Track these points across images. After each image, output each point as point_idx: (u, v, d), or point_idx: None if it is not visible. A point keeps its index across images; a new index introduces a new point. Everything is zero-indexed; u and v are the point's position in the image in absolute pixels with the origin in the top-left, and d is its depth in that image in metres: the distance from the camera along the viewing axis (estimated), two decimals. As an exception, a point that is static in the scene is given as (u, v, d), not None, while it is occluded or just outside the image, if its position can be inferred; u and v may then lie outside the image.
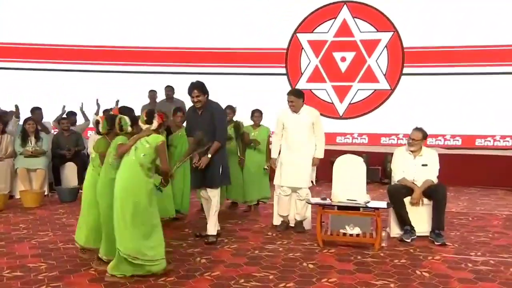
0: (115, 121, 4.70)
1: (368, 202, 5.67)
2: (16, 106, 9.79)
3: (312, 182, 6.60)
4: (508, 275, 4.81)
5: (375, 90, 10.69)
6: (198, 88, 5.85)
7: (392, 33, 10.46)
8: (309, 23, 10.79)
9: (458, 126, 10.41)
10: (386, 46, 10.54)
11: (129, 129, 4.65)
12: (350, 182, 6.32)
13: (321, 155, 6.38)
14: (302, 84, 10.85)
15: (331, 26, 10.72)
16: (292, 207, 6.47)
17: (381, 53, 10.58)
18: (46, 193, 8.66)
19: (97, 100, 9.97)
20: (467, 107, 10.33)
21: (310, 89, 10.83)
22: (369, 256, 5.27)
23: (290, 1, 10.89)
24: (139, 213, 4.28)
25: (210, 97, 6.12)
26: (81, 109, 10.25)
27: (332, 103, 10.86)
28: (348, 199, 5.68)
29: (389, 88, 10.60)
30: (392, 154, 10.40)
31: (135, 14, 11.21)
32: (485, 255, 5.43)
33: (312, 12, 10.77)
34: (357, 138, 10.86)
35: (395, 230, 6.02)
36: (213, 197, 5.91)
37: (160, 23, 11.16)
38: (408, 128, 10.46)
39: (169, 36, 11.11)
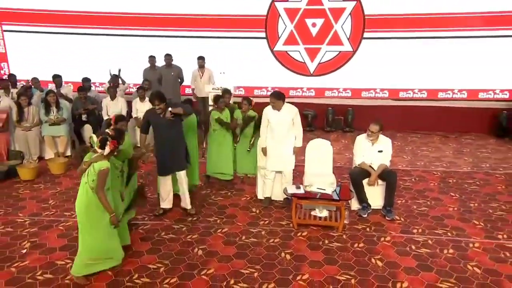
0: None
1: (334, 190, 5.61)
2: (36, 79, 9.41)
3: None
4: (443, 260, 4.87)
5: (340, 51, 10.39)
6: (158, 99, 5.50)
7: (355, 2, 9.96)
8: (284, -8, 10.16)
9: (408, 82, 10.28)
10: (350, 14, 10.10)
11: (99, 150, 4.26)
12: (319, 165, 6.32)
13: (300, 144, 6.24)
14: (279, 46, 10.59)
15: (304, -5, 10.11)
16: (275, 187, 6.41)
17: (345, 20, 10.13)
18: (69, 154, 8.54)
19: (109, 70, 9.60)
20: (416, 66, 10.22)
21: (286, 51, 10.60)
22: (334, 239, 5.29)
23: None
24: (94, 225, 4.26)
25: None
26: (119, 72, 9.84)
27: (304, 62, 10.58)
28: (318, 188, 5.59)
29: (351, 50, 10.30)
30: (352, 107, 10.41)
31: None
32: (425, 233, 5.53)
33: (286, -17, 10.12)
34: (325, 93, 10.55)
35: (355, 205, 6.08)
36: (185, 177, 5.95)
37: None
38: (367, 84, 10.45)
39: (167, 4, 10.55)
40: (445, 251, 5.06)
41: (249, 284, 4.36)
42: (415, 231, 5.55)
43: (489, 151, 8.85)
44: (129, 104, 9.26)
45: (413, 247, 5.13)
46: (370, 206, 5.99)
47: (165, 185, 5.91)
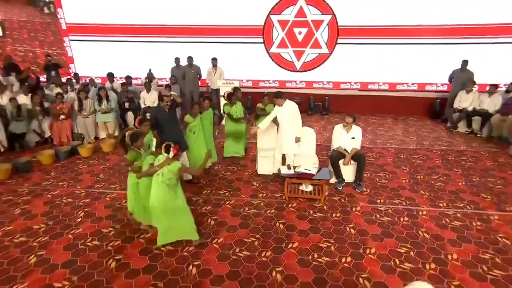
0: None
1: (318, 170, 5.15)
2: (92, 79, 8.90)
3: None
4: (400, 227, 4.53)
5: (319, 53, 9.66)
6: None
7: (331, 16, 9.16)
8: (278, 8, 9.42)
9: (373, 77, 9.68)
10: (327, 24, 9.28)
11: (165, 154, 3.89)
12: (305, 148, 5.84)
13: (299, 135, 5.62)
14: (273, 49, 9.86)
15: (292, 10, 9.31)
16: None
17: (324, 29, 9.30)
18: (117, 135, 8.01)
19: (149, 69, 9.06)
20: (378, 65, 9.55)
21: (279, 53, 9.86)
22: (317, 210, 4.90)
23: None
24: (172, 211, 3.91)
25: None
26: (150, 71, 9.38)
27: (292, 61, 9.85)
28: (305, 168, 5.12)
29: (328, 52, 9.56)
30: (328, 95, 9.83)
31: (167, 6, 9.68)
32: (386, 203, 5.13)
33: (280, 0, 9.27)
34: (307, 84, 9.92)
35: (333, 179, 5.58)
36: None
37: (180, 8, 9.78)
38: (339, 78, 9.81)
39: (188, 18, 9.84)
40: (402, 219, 4.70)
41: (251, 252, 3.98)
42: (378, 201, 5.16)
43: (427, 130, 8.34)
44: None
45: (378, 215, 4.78)
46: (344, 180, 5.58)
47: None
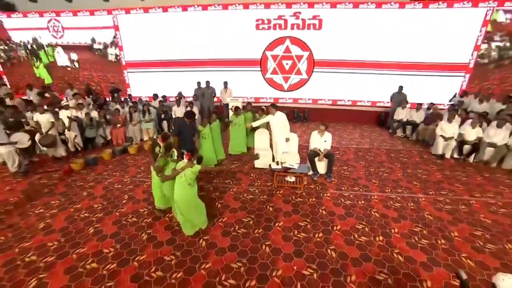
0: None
1: (299, 165, 4.82)
2: (140, 98, 8.53)
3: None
4: (358, 209, 4.22)
5: (301, 78, 9.17)
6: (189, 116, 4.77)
7: (308, 52, 8.73)
8: (271, 46, 8.94)
9: (340, 95, 9.11)
10: (306, 58, 8.84)
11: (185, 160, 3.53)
12: (290, 148, 5.40)
13: (288, 136, 5.28)
14: (268, 75, 9.37)
15: (281, 48, 8.86)
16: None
17: (303, 61, 8.87)
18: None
19: (180, 92, 8.55)
20: (344, 87, 9.00)
21: (272, 78, 9.37)
22: (298, 196, 4.56)
23: (263, 35, 8.86)
24: (192, 207, 3.49)
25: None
26: (180, 92, 8.68)
27: (282, 84, 9.40)
28: (289, 164, 4.78)
29: (307, 77, 9.12)
30: (308, 108, 9.42)
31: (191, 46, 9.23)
32: (348, 190, 4.77)
33: (272, 41, 8.84)
34: (291, 100, 9.44)
35: (310, 172, 5.22)
36: None
37: (200, 47, 9.29)
38: (316, 96, 9.38)
39: (205, 53, 9.37)
40: (359, 202, 4.37)
41: (247, 229, 3.67)
42: (343, 188, 4.80)
43: (376, 135, 7.93)
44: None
45: (342, 200, 4.43)
46: (318, 172, 5.23)
47: None
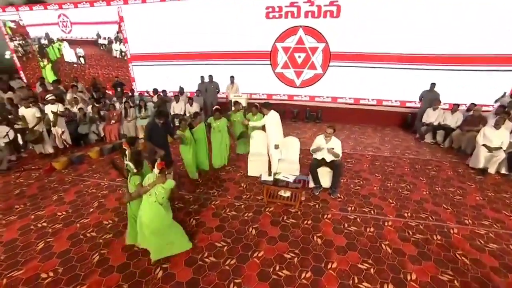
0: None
1: (296, 178, 3.99)
2: (140, 93, 8.11)
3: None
4: (365, 239, 3.30)
5: (315, 73, 8.19)
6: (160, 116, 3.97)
7: (324, 44, 7.72)
8: (282, 37, 8.08)
9: (354, 93, 8.06)
10: (321, 51, 7.85)
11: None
12: (289, 156, 4.66)
13: (278, 142, 4.48)
14: (278, 69, 8.52)
15: (293, 39, 7.95)
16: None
17: (318, 54, 7.89)
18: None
19: (181, 87, 8.00)
20: (360, 83, 7.83)
21: (282, 72, 8.47)
22: (291, 216, 3.75)
23: (273, 25, 8.00)
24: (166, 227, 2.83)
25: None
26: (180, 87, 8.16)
27: (293, 79, 8.48)
28: (284, 176, 4.01)
29: (322, 72, 8.11)
30: (321, 107, 8.46)
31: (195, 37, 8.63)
32: (356, 211, 3.86)
33: (283, 31, 7.96)
34: (305, 97, 8.53)
35: (311, 184, 4.40)
36: None
37: (205, 39, 8.70)
38: (331, 93, 8.38)
39: (210, 45, 8.77)
40: (368, 229, 3.46)
41: (216, 258, 2.96)
42: (349, 209, 3.90)
43: (399, 140, 6.80)
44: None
45: (346, 224, 3.55)
46: (321, 186, 4.34)
47: None
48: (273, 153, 4.48)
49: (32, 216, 3.76)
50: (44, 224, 3.58)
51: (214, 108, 5.01)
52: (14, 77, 11.43)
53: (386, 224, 3.54)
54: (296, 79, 8.43)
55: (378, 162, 5.45)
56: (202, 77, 8.11)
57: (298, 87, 8.51)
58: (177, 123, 5.09)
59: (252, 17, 8.08)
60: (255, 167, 4.78)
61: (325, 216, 3.70)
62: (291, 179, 3.95)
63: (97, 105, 7.01)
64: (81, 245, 3.16)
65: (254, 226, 3.48)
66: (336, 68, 7.90)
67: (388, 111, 7.74)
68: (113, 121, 6.74)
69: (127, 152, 2.95)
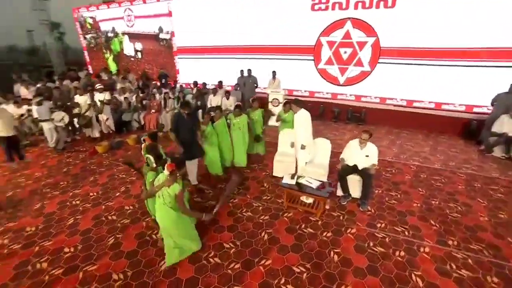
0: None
1: (320, 183, 3.66)
2: (181, 85, 8.44)
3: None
4: (392, 264, 2.87)
5: (361, 71, 7.48)
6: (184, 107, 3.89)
7: (375, 38, 6.96)
8: (327, 31, 7.55)
9: (406, 93, 7.11)
10: (370, 46, 7.11)
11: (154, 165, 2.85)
12: (318, 158, 4.35)
13: (305, 143, 4.09)
14: (321, 65, 8.01)
15: (340, 33, 7.38)
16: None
17: (367, 50, 7.20)
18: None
19: (220, 81, 8.02)
20: (415, 83, 6.88)
21: (325, 68, 7.95)
22: (310, 225, 3.43)
23: (319, 18, 7.54)
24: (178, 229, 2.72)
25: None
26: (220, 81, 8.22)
27: (337, 76, 7.88)
28: (307, 180, 3.73)
29: (369, 70, 7.36)
30: (366, 108, 7.73)
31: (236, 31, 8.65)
32: (386, 229, 3.38)
33: (329, 24, 7.42)
34: (350, 97, 7.88)
35: (339, 192, 4.02)
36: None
37: (247, 32, 8.62)
38: (379, 93, 7.59)
39: (252, 39, 8.66)
40: (397, 253, 2.97)
41: (221, 260, 2.86)
42: (379, 225, 3.43)
43: (457, 150, 5.77)
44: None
45: (371, 243, 3.12)
46: (350, 195, 3.93)
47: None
48: (300, 154, 4.19)
49: (71, 194, 4.16)
50: (78, 202, 3.93)
51: (236, 105, 4.86)
52: (83, 69, 13.01)
53: (421, 250, 3.01)
54: (340, 76, 7.83)
55: (424, 174, 4.73)
56: (242, 71, 8.07)
57: (341, 85, 7.90)
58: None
59: (296, 9, 7.72)
60: (281, 168, 4.54)
61: (348, 230, 3.31)
62: (314, 184, 3.64)
63: (141, 94, 7.51)
64: (101, 227, 3.37)
65: (268, 230, 3.29)
66: (387, 65, 7.08)
67: (446, 116, 6.68)
68: (153, 111, 7.13)
69: (143, 146, 3.01)
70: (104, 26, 12.18)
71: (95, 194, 4.13)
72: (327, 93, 8.15)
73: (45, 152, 5.79)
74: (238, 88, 7.89)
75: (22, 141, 6.07)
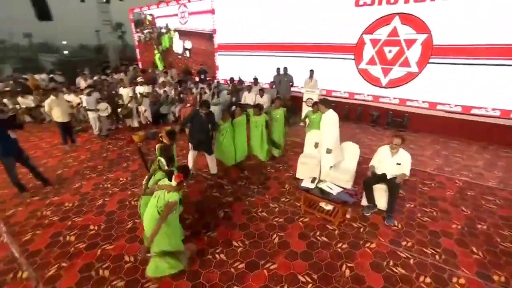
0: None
1: (342, 190, 3.40)
2: (218, 81, 8.62)
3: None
4: (415, 289, 2.48)
5: (407, 71, 6.76)
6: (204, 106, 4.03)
7: (426, 35, 6.24)
8: (372, 28, 7.00)
9: (463, 98, 6.22)
10: (420, 44, 6.39)
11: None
12: (345, 163, 4.06)
13: (331, 147, 3.88)
14: (362, 65, 7.46)
15: (386, 30, 6.79)
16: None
17: (416, 48, 6.49)
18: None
19: (255, 78, 8.10)
20: (475, 86, 6.01)
21: (367, 69, 7.39)
22: (325, 234, 3.22)
23: (363, 13, 7.04)
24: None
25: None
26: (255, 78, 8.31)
27: (379, 78, 7.26)
28: (328, 186, 3.51)
29: (417, 71, 6.62)
30: (409, 113, 7.01)
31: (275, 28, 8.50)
32: (412, 249, 3.01)
33: (374, 21, 6.88)
34: (393, 100, 7.18)
35: (364, 201, 3.70)
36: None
37: (285, 29, 8.39)
38: (428, 97, 6.81)
39: (289, 36, 8.47)
40: (421, 279, 2.62)
41: (227, 258, 2.85)
42: (404, 243, 3.07)
43: (526, 168, 4.88)
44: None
45: (391, 262, 2.80)
46: (375, 206, 3.61)
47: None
48: (324, 157, 3.96)
49: (104, 177, 4.55)
50: (108, 185, 4.27)
51: (255, 104, 4.81)
52: (133, 64, 14.20)
53: (454, 280, 2.60)
54: (382, 77, 7.23)
55: (473, 192, 4.09)
56: (278, 69, 7.96)
57: (383, 87, 7.29)
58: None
59: (339, 5, 7.32)
60: (305, 170, 4.35)
61: (367, 244, 3.02)
62: (335, 190, 3.40)
63: (179, 88, 7.88)
64: (124, 210, 3.61)
65: (279, 234, 3.17)
66: (440, 66, 6.30)
67: (508, 126, 5.72)
68: (188, 105, 7.42)
69: (157, 146, 3.05)
70: (159, 23, 12.86)
71: (124, 179, 4.45)
72: (368, 95, 7.59)
73: (91, 138, 6.45)
74: (274, 86, 7.81)
75: (76, 127, 6.85)
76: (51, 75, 10.87)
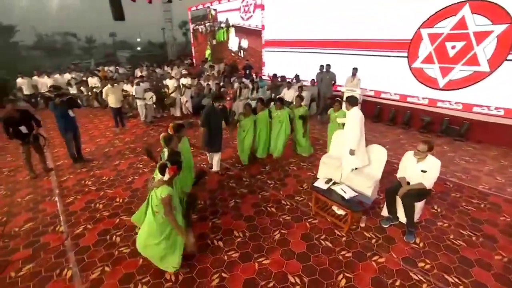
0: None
1: (356, 195, 3.15)
2: (261, 77, 8.74)
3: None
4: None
5: (474, 71, 5.77)
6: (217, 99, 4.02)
7: (507, 25, 5.21)
8: (432, 20, 6.15)
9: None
10: (497, 36, 5.37)
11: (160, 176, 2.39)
12: (369, 166, 3.74)
13: (353, 147, 3.62)
14: (416, 64, 6.64)
15: (450, 22, 5.89)
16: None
17: (489, 42, 5.47)
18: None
19: (297, 75, 8.10)
20: None
21: (422, 68, 6.55)
22: (332, 238, 3.04)
23: (421, 4, 6.25)
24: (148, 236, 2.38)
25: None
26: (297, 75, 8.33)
27: (436, 78, 6.38)
28: (342, 188, 3.30)
29: (488, 70, 5.60)
30: (470, 120, 5.98)
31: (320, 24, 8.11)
32: (430, 272, 2.63)
33: (436, 12, 6.04)
34: (455, 105, 6.23)
35: (385, 212, 3.36)
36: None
37: (332, 26, 7.91)
38: (499, 102, 5.72)
39: (334, 32, 8.04)
40: (431, 310, 2.27)
41: (223, 245, 2.93)
42: (421, 264, 2.69)
43: None
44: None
45: (398, 282, 2.50)
46: (397, 219, 3.25)
47: None
48: (345, 159, 3.71)
49: (139, 158, 5.06)
50: (140, 166, 4.75)
51: (277, 97, 4.70)
52: (188, 58, 15.29)
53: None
54: (440, 78, 6.34)
55: (533, 218, 3.34)
56: (322, 66, 7.67)
57: (440, 89, 6.39)
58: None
59: (392, -3, 6.68)
60: (326, 170, 4.13)
61: (374, 258, 2.74)
62: (348, 194, 3.16)
63: (221, 83, 8.23)
64: (147, 189, 3.96)
65: (282, 231, 3.11)
66: (516, 65, 5.26)
67: None
68: (228, 98, 7.71)
69: (164, 150, 2.87)
70: (220, 17, 12.83)
71: (154, 164, 4.88)
72: (423, 98, 6.75)
73: (138, 124, 7.21)
74: (315, 84, 7.57)
75: (128, 113, 7.74)
76: (117, 67, 12.47)
